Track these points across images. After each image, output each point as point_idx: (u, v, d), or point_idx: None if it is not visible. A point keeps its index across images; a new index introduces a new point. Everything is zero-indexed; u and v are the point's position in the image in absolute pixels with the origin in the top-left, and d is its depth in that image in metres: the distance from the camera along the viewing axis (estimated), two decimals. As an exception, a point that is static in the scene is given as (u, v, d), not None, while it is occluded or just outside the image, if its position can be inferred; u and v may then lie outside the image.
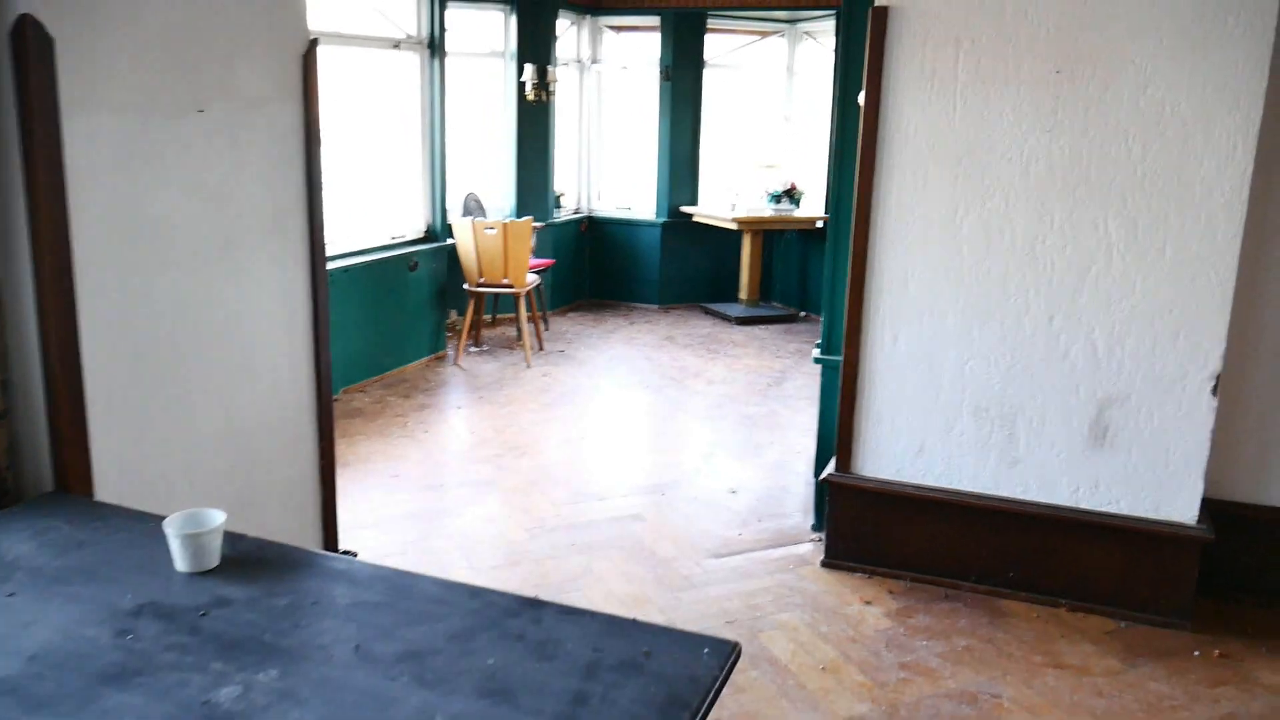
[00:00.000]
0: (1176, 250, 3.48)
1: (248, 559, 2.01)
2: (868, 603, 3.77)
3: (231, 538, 2.04)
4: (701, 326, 8.50)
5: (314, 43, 3.07)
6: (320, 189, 3.14)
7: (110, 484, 2.45)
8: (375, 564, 2.05)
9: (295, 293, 3.12)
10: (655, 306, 9.16)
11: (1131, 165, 3.48)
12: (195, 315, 2.74)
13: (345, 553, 3.45)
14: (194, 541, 1.93)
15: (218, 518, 1.98)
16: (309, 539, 3.31)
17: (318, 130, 3.10)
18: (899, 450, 3.93)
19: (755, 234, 8.78)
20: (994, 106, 3.60)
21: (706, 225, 8.94)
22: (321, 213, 3.15)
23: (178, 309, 2.67)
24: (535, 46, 8.23)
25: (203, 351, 2.78)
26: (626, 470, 5.19)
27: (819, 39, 9.06)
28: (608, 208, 9.45)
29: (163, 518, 2.00)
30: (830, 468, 4.07)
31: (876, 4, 3.66)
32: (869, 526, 4.01)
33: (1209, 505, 3.66)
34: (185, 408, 2.73)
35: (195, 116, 2.66)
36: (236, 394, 2.92)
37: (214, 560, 1.96)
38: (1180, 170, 3.43)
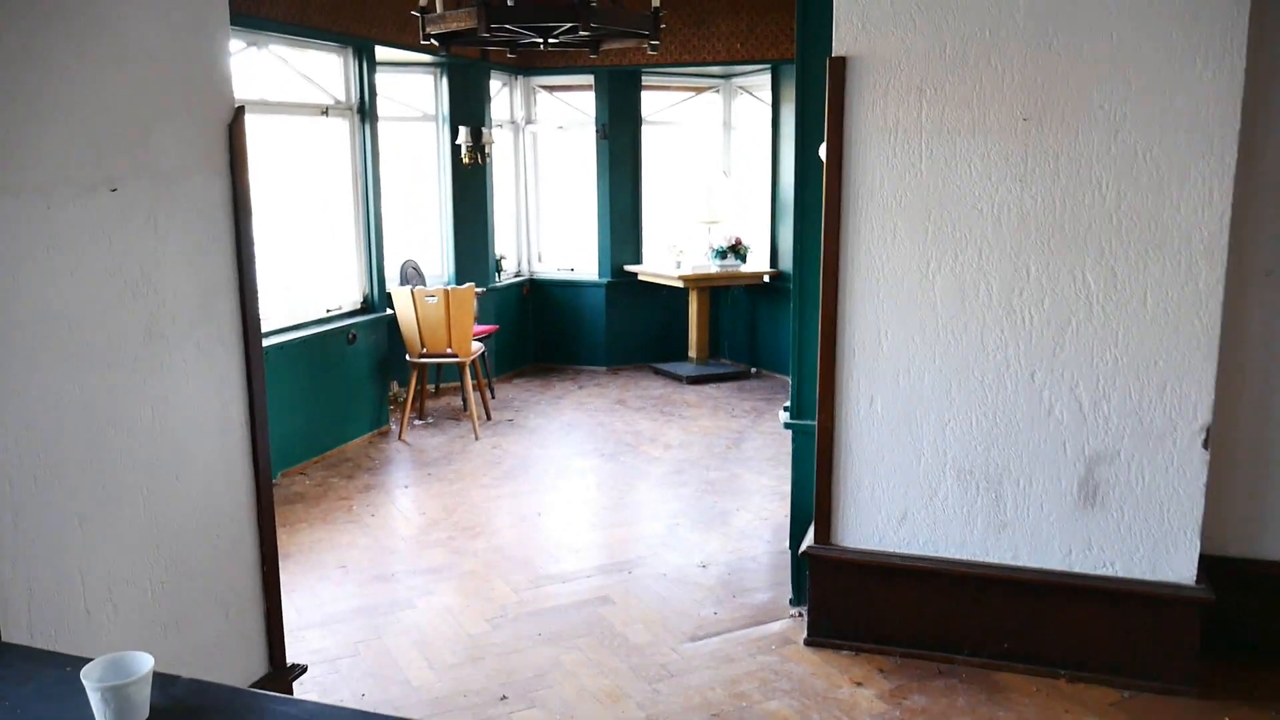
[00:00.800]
0: (1158, 299, 3.35)
1: (182, 708, 1.71)
2: (859, 684, 3.53)
3: (162, 681, 1.75)
4: (653, 388, 8.28)
5: (240, 110, 2.83)
6: (252, 268, 2.87)
7: (20, 619, 2.14)
8: (334, 705, 1.76)
9: (228, 382, 2.84)
10: (604, 368, 8.92)
11: (1106, 213, 3.36)
12: (115, 415, 2.45)
13: (294, 667, 3.13)
14: (118, 694, 1.64)
15: (144, 663, 1.68)
16: (253, 654, 2.99)
17: (248, 204, 2.84)
18: (881, 518, 3.72)
19: (702, 291, 8.62)
20: (961, 157, 3.46)
21: (652, 283, 8.77)
22: (255, 293, 2.88)
23: (94, 410, 2.38)
24: (468, 109, 8.04)
25: (125, 455, 2.48)
26: (589, 547, 4.91)
27: (754, 93, 9.01)
28: (550, 269, 9.23)
29: (82, 659, 1.71)
30: (809, 539, 3.84)
31: (834, 54, 3.52)
32: (853, 600, 3.78)
33: (1204, 561, 3.50)
34: (106, 519, 2.43)
35: (108, 195, 2.39)
36: (165, 499, 2.62)
37: (143, 714, 1.66)
38: (1157, 216, 3.32)
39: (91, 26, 2.32)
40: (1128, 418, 3.43)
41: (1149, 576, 3.46)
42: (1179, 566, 3.43)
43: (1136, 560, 3.47)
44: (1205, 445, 3.37)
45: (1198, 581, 3.42)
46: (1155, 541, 3.45)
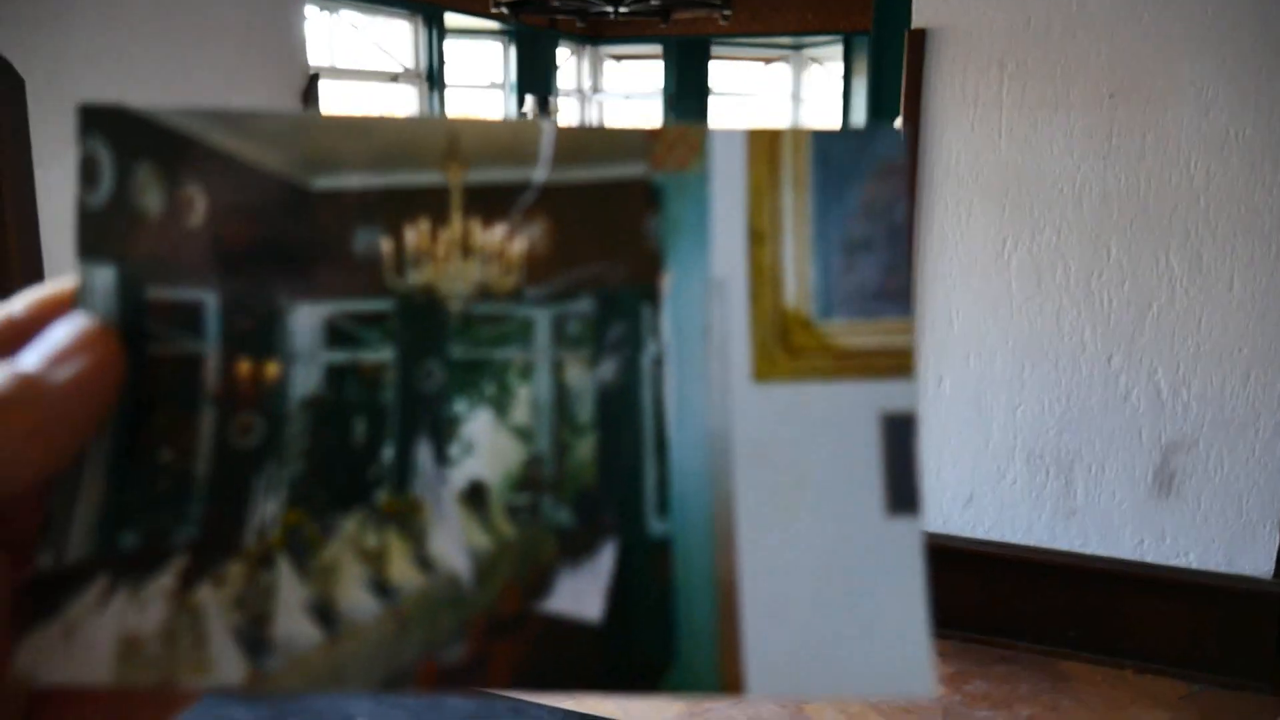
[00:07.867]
0: (1245, 284, 3.24)
1: None
2: (918, 667, 3.49)
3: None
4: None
5: (315, 78, 2.83)
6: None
7: None
8: None
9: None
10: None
11: (1194, 193, 3.24)
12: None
13: None
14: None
15: None
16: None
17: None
18: (946, 500, 3.67)
19: (765, 265, 8.56)
20: (1043, 133, 3.36)
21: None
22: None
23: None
24: (536, 77, 8.02)
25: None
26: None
27: (825, 64, 8.87)
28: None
29: None
30: (871, 519, 3.80)
31: (913, 26, 3.44)
32: (915, 583, 3.73)
33: (1283, 555, 3.40)
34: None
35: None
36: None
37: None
38: (1247, 198, 3.20)
39: (178, 4, 2.35)
40: (1208, 406, 3.32)
41: (1224, 569, 3.37)
42: (1257, 559, 3.34)
43: (1212, 552, 3.38)
44: (1289, 436, 3.26)
45: (1276, 575, 3.33)
46: (1233, 533, 3.35)
